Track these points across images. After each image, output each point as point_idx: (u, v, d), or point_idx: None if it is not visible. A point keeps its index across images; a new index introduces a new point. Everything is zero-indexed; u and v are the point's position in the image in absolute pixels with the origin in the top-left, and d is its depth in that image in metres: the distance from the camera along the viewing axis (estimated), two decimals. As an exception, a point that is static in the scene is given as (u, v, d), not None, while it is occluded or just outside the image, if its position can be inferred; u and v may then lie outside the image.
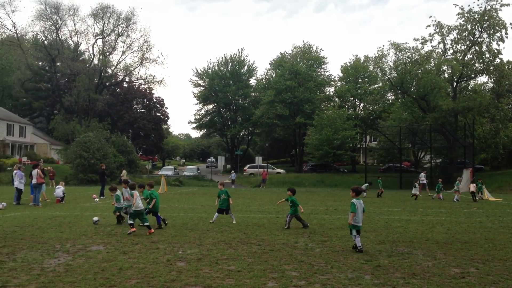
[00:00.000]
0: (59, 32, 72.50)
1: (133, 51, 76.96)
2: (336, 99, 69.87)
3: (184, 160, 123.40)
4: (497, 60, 48.81)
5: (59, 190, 24.86)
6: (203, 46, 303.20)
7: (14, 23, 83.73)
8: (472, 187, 29.96)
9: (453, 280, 7.88)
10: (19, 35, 73.07)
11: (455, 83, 50.69)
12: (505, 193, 40.07)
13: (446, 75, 50.33)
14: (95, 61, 76.07)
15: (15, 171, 23.20)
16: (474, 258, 9.93)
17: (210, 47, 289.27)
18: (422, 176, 36.08)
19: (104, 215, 17.94)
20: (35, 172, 22.79)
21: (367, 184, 33.56)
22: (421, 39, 50.78)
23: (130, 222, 13.10)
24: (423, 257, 9.88)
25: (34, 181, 22.45)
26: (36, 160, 47.57)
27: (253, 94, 78.25)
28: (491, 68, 48.63)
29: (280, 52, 73.86)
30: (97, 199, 26.19)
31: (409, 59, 50.34)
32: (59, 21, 71.66)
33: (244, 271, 8.29)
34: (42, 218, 16.34)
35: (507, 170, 52.81)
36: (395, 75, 51.96)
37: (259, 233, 13.20)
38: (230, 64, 78.40)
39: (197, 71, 79.86)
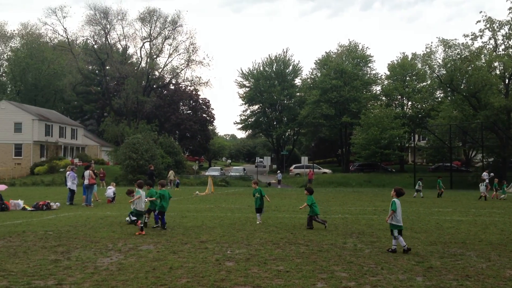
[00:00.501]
0: (108, 36, 74.46)
1: (180, 54, 78.25)
2: (383, 98, 68.75)
3: (230, 161, 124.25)
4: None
5: (110, 190, 25.50)
6: (248, 47, 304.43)
7: (65, 29, 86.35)
8: None
9: (509, 283, 7.63)
10: (70, 40, 75.43)
11: (507, 80, 49.01)
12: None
13: (497, 72, 48.81)
14: (143, 64, 77.69)
15: (68, 172, 23.93)
16: (531, 260, 9.58)
17: (255, 47, 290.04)
18: (485, 175, 34.72)
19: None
20: (87, 173, 23.44)
21: (419, 182, 32.77)
22: (471, 35, 49.38)
23: (134, 219, 13.37)
24: (477, 259, 9.61)
25: (86, 182, 23.09)
26: (88, 162, 48.92)
27: (298, 94, 77.96)
28: (546, 63, 46.83)
29: (325, 51, 73.64)
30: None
31: (458, 56, 49.07)
32: (108, 26, 73.60)
33: (293, 272, 8.27)
34: (94, 218, 16.80)
35: None
36: (444, 72, 50.74)
37: (306, 234, 13.15)
38: (275, 64, 78.41)
39: (242, 72, 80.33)
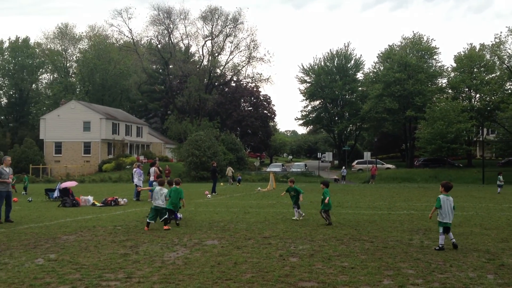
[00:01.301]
0: (171, 35, 76.04)
1: (240, 51, 78.76)
2: (449, 91, 66.51)
3: (291, 157, 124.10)
4: None
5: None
6: (309, 42, 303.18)
7: (130, 30, 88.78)
8: None
9: None
10: (135, 40, 77.57)
11: None
12: None
13: None
14: (205, 62, 78.84)
15: (134, 169, 24.66)
16: None
17: (316, 42, 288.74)
18: None
19: (217, 210, 18.52)
20: (152, 170, 24.09)
21: (499, 177, 31.05)
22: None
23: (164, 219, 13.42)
24: (553, 258, 9.15)
25: (152, 178, 23.71)
26: (153, 159, 50.24)
27: (360, 88, 76.81)
28: None
29: (388, 45, 71.98)
30: (209, 195, 27.10)
31: (530, 45, 46.85)
32: (171, 25, 75.16)
33: (358, 268, 8.16)
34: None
35: None
36: (515, 62, 48.59)
37: (370, 230, 12.94)
38: (337, 59, 77.63)
39: (303, 67, 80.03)
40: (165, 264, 8.55)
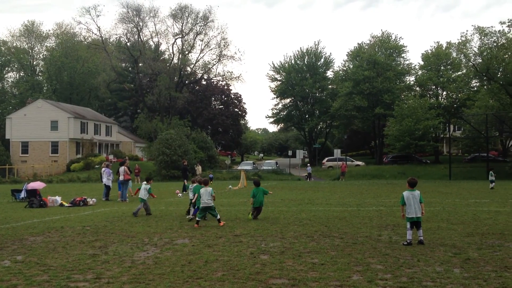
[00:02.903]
0: (140, 33, 75.17)
1: (211, 49, 78.35)
2: (417, 88, 67.62)
3: (262, 155, 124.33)
4: None
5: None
6: (281, 40, 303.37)
7: (99, 27, 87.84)
8: None
9: (551, 275, 7.44)
10: (103, 38, 76.54)
11: (546, 67, 47.67)
12: None
13: (536, 59, 47.45)
14: (175, 60, 78.23)
15: (103, 169, 24.39)
16: None
17: (288, 41, 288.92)
18: None
19: (188, 209, 18.42)
20: (122, 169, 23.81)
21: (491, 172, 31.40)
22: (508, 22, 48.09)
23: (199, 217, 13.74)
24: (517, 251, 9.41)
25: (121, 178, 23.48)
26: (122, 158, 49.73)
27: (330, 86, 77.30)
28: None
29: (358, 43, 72.53)
30: (180, 194, 26.95)
31: (495, 44, 47.91)
32: (141, 23, 74.27)
33: (328, 264, 8.25)
34: (130, 213, 17.04)
35: None
36: (480, 61, 49.64)
37: (340, 226, 13.08)
38: (307, 57, 77.92)
39: (273, 65, 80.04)
40: (135, 264, 8.50)
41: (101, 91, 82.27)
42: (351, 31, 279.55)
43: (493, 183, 30.72)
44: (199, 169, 45.92)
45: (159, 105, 74.34)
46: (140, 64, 77.65)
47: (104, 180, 23.96)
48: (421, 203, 10.46)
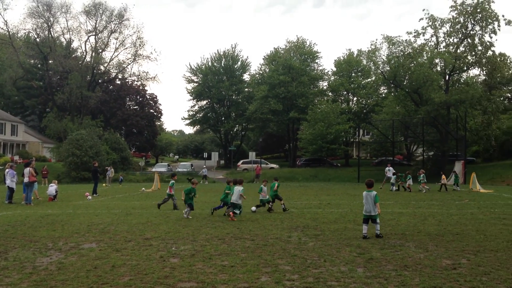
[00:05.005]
0: (51, 29, 72.02)
1: (126, 48, 76.63)
2: (330, 94, 69.82)
3: (177, 157, 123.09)
4: (490, 53, 48.98)
5: (52, 188, 24.79)
6: (200, 42, 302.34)
7: (6, 21, 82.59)
8: (444, 179, 32.32)
9: (445, 272, 7.92)
10: (11, 33, 72.53)
11: (447, 76, 50.76)
12: (497, 185, 40.30)
13: (438, 68, 50.32)
14: (88, 58, 75.66)
15: (6, 170, 23.12)
16: (465, 249, 9.98)
17: (208, 43, 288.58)
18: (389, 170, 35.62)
19: (97, 212, 17.90)
20: (27, 170, 22.67)
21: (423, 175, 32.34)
22: (414, 33, 50.80)
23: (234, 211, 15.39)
24: (415, 249, 9.94)
25: (26, 179, 22.34)
26: (28, 159, 47.40)
27: (246, 89, 77.95)
28: (483, 60, 48.75)
29: (274, 47, 73.62)
30: (90, 197, 26.10)
31: (402, 53, 50.26)
32: (51, 19, 71.17)
33: (238, 266, 8.30)
34: (34, 217, 16.29)
35: (498, 162, 53.05)
36: (388, 68, 51.89)
37: (252, 228, 13.21)
38: (224, 59, 78.09)
39: (190, 67, 79.58)
40: (37, 270, 8.12)
41: (7, 88, 78.09)
42: (269, 36, 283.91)
43: (393, 186, 32.47)
44: (112, 172, 44.82)
45: (69, 104, 71.58)
46: (50, 61, 74.34)
47: (8, 182, 22.70)
48: (376, 203, 11.53)
